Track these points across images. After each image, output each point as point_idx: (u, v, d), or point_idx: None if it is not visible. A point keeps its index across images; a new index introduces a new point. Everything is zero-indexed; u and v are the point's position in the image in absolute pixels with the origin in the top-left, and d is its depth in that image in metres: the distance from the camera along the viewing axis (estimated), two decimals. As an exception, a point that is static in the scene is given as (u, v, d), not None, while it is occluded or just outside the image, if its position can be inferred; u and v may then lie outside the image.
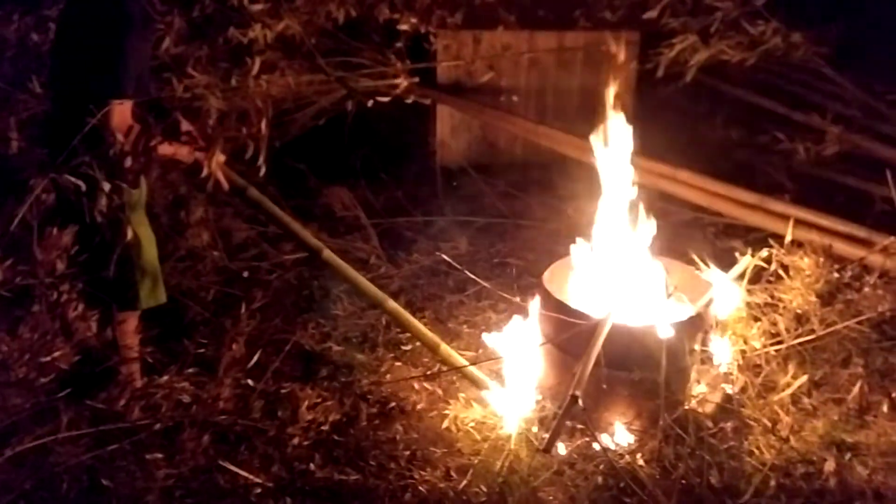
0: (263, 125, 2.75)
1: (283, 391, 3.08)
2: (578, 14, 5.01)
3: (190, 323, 3.49)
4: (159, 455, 2.59)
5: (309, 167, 4.60)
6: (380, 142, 5.11)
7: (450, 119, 5.22)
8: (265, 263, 3.98)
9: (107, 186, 2.31)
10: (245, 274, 3.81)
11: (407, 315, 3.13)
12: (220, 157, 2.79)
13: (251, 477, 2.65)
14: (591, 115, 5.17)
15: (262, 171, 2.82)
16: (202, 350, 3.03)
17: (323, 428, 2.87)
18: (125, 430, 2.65)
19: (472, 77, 5.05)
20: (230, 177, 2.88)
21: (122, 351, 2.73)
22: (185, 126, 2.87)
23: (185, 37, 4.13)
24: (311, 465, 2.74)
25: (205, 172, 2.76)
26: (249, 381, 2.94)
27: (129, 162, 2.44)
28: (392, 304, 3.11)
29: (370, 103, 4.40)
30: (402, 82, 4.45)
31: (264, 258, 4.02)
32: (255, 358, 2.94)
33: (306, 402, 2.98)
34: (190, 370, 2.78)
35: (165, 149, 2.68)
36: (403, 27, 4.43)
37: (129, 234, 2.51)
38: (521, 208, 4.67)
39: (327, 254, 3.14)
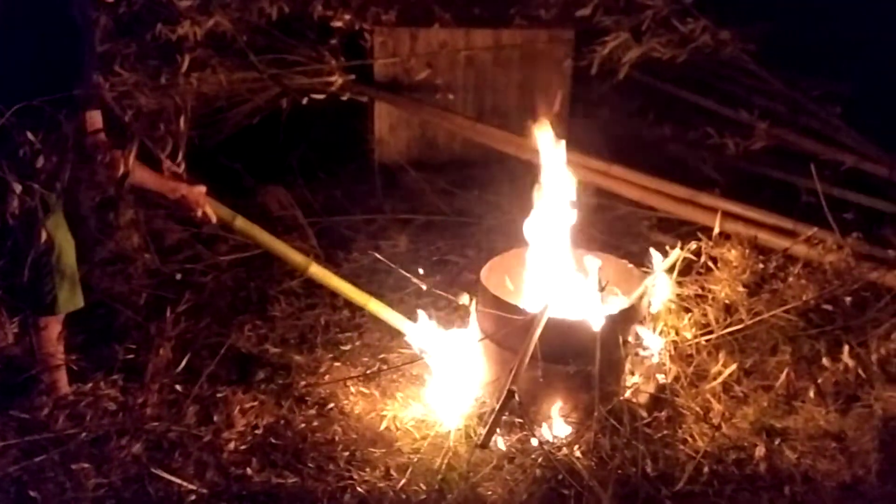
0: (182, 122, 2.69)
1: (218, 395, 3.01)
2: (514, 12, 5.05)
3: (121, 328, 3.39)
4: (87, 465, 2.52)
5: (244, 166, 4.52)
6: (317, 140, 5.06)
7: (388, 116, 5.20)
8: (199, 265, 3.90)
9: (18, 188, 2.23)
10: (178, 276, 3.72)
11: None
12: (201, 189, 2.84)
13: (185, 484, 2.59)
14: (528, 112, 5.28)
15: (182, 168, 2.75)
16: (131, 356, 2.94)
17: (258, 432, 2.82)
18: (52, 439, 2.57)
19: (409, 74, 5.03)
20: (217, 209, 2.92)
21: (44, 358, 2.64)
22: (167, 165, 2.87)
23: (112, 34, 4.02)
24: (248, 470, 2.69)
25: (194, 212, 2.84)
26: (178, 387, 2.86)
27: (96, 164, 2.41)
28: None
29: (305, 101, 4.36)
30: (337, 80, 4.42)
31: (198, 260, 3.94)
32: (185, 362, 2.87)
33: (241, 406, 2.92)
34: (116, 376, 2.70)
35: (149, 179, 2.69)
36: (337, 24, 4.40)
37: (44, 237, 2.42)
38: (461, 205, 4.68)
39: (314, 269, 3.21)
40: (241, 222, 3.05)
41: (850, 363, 2.98)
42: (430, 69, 5.03)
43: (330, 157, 5.03)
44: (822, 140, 4.51)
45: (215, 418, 2.90)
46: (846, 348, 3.00)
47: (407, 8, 4.67)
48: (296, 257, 3.25)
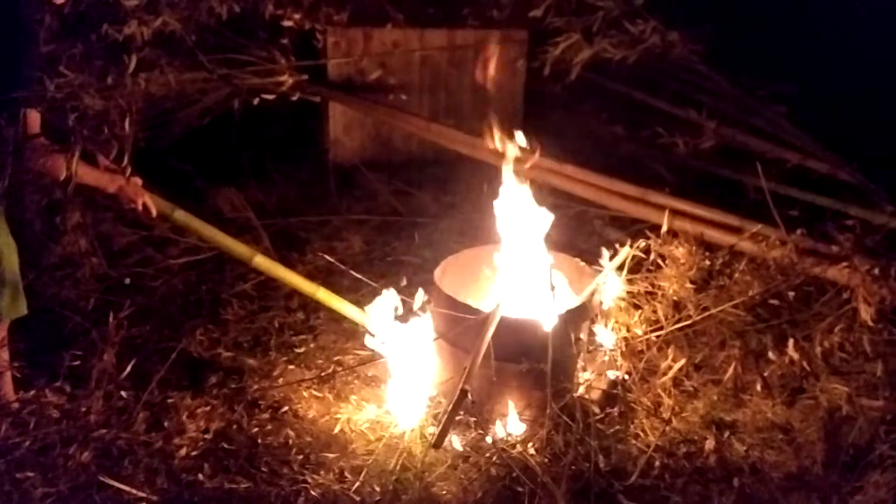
0: (128, 125, 2.64)
1: (169, 401, 2.97)
2: (467, 13, 5.07)
3: (69, 334, 3.32)
4: (33, 474, 2.46)
5: (195, 168, 4.45)
6: (271, 141, 5.02)
7: (343, 117, 5.17)
8: (150, 269, 3.83)
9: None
10: (127, 281, 3.65)
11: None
12: (137, 181, 2.87)
13: (135, 492, 2.55)
14: (483, 112, 5.30)
15: (128, 172, 2.71)
16: (77, 362, 2.88)
17: (210, 437, 2.79)
18: (-3, 448, 2.51)
19: (363, 74, 5.01)
20: (156, 201, 2.95)
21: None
22: (103, 160, 2.88)
23: (57, 34, 3.93)
24: (200, 476, 2.65)
25: (133, 204, 2.88)
26: (124, 393, 2.81)
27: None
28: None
29: (256, 101, 4.31)
30: (288, 80, 4.37)
31: (149, 263, 3.87)
32: (130, 368, 2.82)
33: (192, 412, 2.89)
34: (61, 383, 2.64)
35: (87, 174, 2.71)
36: (288, 23, 4.36)
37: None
38: (417, 206, 4.68)
39: (258, 260, 3.23)
40: (180, 214, 3.07)
41: (796, 356, 3.06)
42: (383, 69, 5.01)
43: (284, 157, 4.99)
44: (768, 139, 4.61)
45: (166, 424, 2.86)
46: (791, 342, 3.08)
47: (359, 8, 4.65)
48: (240, 248, 3.26)
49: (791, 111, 4.70)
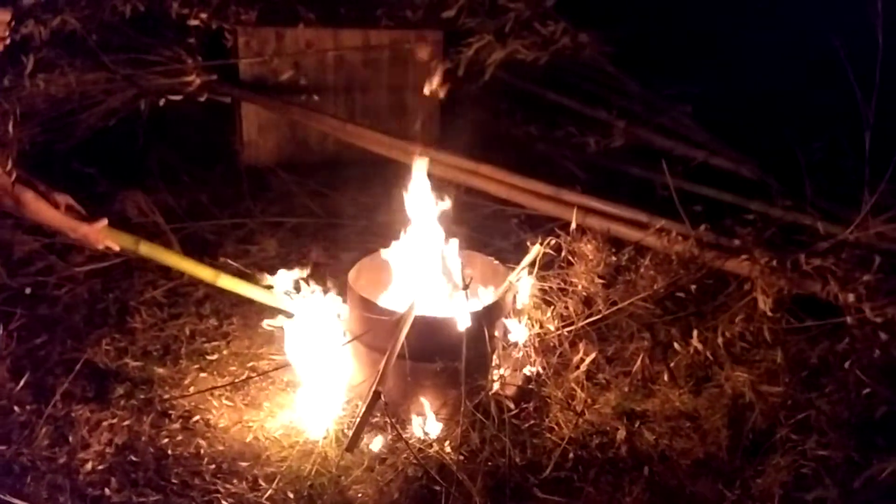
0: (11, 127, 2.53)
1: (73, 414, 2.87)
2: (380, 13, 5.06)
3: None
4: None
5: (100, 171, 4.30)
6: (181, 142, 4.88)
7: (256, 118, 5.08)
8: (53, 278, 3.68)
9: None
10: (27, 290, 3.49)
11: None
12: (102, 223, 2.85)
13: (36, 510, 2.45)
14: (399, 112, 5.30)
15: (14, 176, 2.60)
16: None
17: (114, 450, 2.70)
18: None
19: (276, 74, 4.94)
20: (119, 237, 2.96)
21: None
22: (63, 199, 2.86)
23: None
24: (107, 490, 2.57)
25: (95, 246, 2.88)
26: (26, 407, 2.69)
27: None
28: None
29: (162, 102, 4.19)
30: (196, 80, 4.27)
31: (52, 272, 3.71)
32: (26, 380, 2.71)
33: (100, 424, 2.79)
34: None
35: (42, 212, 2.72)
36: (195, 22, 4.25)
37: None
38: (333, 207, 4.63)
39: (222, 280, 3.24)
40: (145, 248, 3.09)
41: (700, 347, 3.17)
42: (296, 69, 4.95)
43: (194, 159, 4.87)
44: (674, 137, 4.77)
45: (70, 439, 2.77)
46: (696, 333, 3.19)
47: (269, 7, 4.58)
48: (204, 273, 3.27)
49: (696, 110, 4.87)
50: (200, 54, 4.49)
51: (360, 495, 2.59)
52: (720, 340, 3.21)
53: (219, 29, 4.54)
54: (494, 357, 2.93)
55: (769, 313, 3.24)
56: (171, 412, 2.94)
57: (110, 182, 4.28)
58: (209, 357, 3.30)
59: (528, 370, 3.05)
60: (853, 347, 3.06)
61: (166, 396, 3.02)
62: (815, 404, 2.89)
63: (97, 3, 4.14)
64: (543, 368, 3.02)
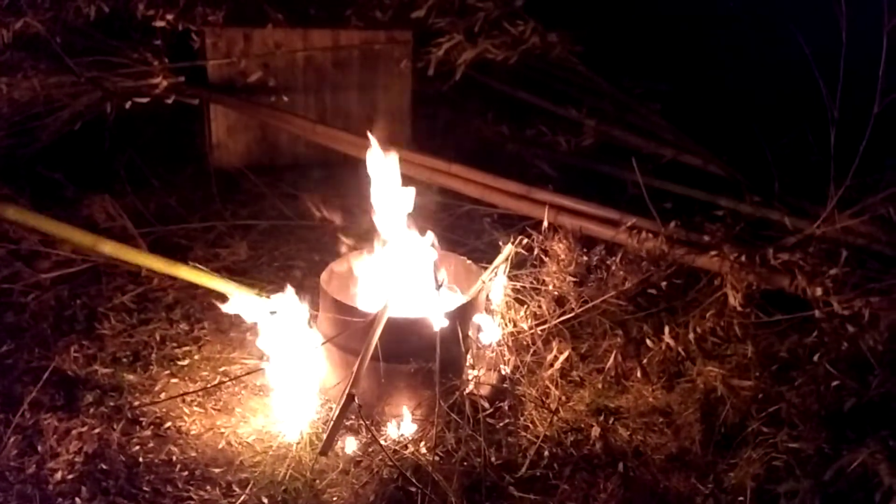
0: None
1: (42, 423, 2.81)
2: (350, 13, 5.03)
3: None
4: None
5: (66, 175, 4.22)
6: (149, 146, 4.82)
7: (225, 119, 5.03)
8: (18, 285, 3.61)
9: None
10: (-8, 298, 3.43)
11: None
12: None
13: (4, 521, 2.40)
14: (370, 113, 5.28)
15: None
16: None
17: (84, 459, 2.65)
18: None
19: (244, 75, 4.90)
20: None
21: None
22: None
23: None
24: (77, 500, 2.53)
25: None
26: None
27: None
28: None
29: (128, 105, 4.13)
30: (163, 82, 4.21)
31: (18, 279, 3.64)
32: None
33: (69, 432, 2.74)
34: None
35: None
36: (161, 24, 4.20)
37: None
38: (305, 209, 4.60)
39: (104, 246, 3.22)
40: (11, 211, 3.05)
41: (672, 342, 3.20)
42: (265, 70, 4.91)
43: (162, 163, 4.81)
44: (644, 135, 4.81)
45: (39, 448, 2.72)
46: (667, 329, 3.22)
47: (237, 8, 4.53)
48: (81, 237, 3.21)
49: (664, 108, 4.92)
50: (167, 56, 4.42)
51: (335, 499, 2.57)
52: (691, 336, 3.24)
53: (185, 30, 4.48)
54: (468, 357, 2.93)
55: (739, 308, 3.28)
56: (141, 419, 2.90)
57: (77, 187, 4.21)
58: (180, 362, 3.26)
59: (502, 369, 3.05)
60: (822, 340, 3.11)
61: (137, 403, 2.98)
62: (786, 397, 2.92)
63: (60, 4, 4.07)
64: (517, 367, 3.02)
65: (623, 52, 5.36)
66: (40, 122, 4.30)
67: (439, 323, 2.76)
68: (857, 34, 3.29)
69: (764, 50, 5.27)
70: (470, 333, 2.95)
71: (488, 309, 3.10)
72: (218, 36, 4.74)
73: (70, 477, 2.61)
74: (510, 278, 3.14)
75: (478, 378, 2.92)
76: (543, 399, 3.01)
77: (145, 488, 2.59)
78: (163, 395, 3.03)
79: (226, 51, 4.82)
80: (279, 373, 2.93)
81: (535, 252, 3.19)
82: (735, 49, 5.67)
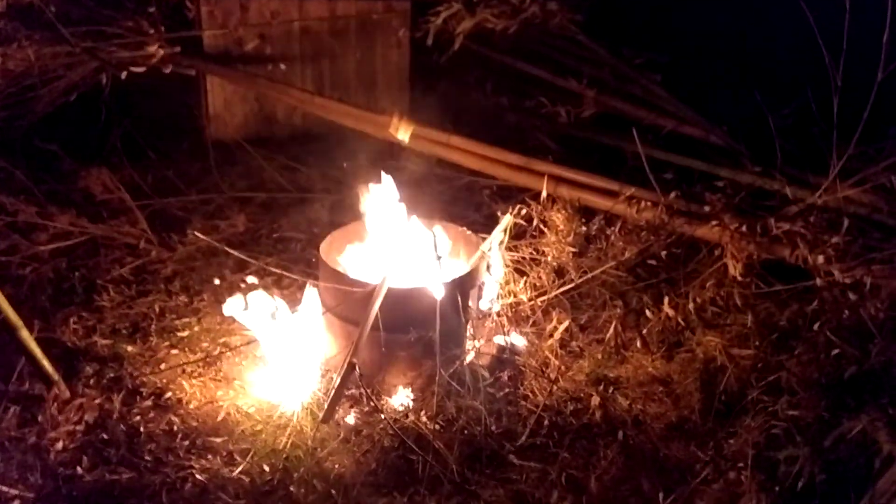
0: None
1: (42, 394, 2.81)
2: (347, -19, 4.96)
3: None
4: None
5: (62, 148, 4.19)
6: (145, 117, 4.77)
7: (222, 91, 4.97)
8: (16, 257, 3.60)
9: None
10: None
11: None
12: None
13: (8, 490, 2.42)
14: (368, 83, 5.23)
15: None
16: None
17: (85, 429, 2.66)
18: None
19: (241, 45, 4.84)
20: None
21: None
22: None
23: None
24: (79, 469, 2.54)
25: None
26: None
27: None
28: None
29: (123, 75, 4.08)
30: (159, 52, 4.16)
31: (15, 251, 3.63)
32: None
33: (69, 403, 2.75)
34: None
35: None
36: (154, -8, 4.14)
37: None
38: (303, 181, 4.58)
39: None
40: None
41: (671, 312, 3.19)
42: (262, 40, 4.85)
43: (159, 135, 4.77)
44: (644, 106, 4.76)
45: (39, 418, 2.72)
46: (667, 299, 3.21)
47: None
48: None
49: (665, 78, 4.87)
50: (163, 25, 4.36)
51: (336, 467, 2.59)
52: (691, 306, 3.24)
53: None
54: (468, 327, 2.93)
55: (739, 278, 3.28)
56: (142, 390, 2.91)
57: (73, 159, 4.18)
58: (180, 334, 3.26)
59: (502, 339, 3.05)
60: (822, 309, 3.11)
61: (137, 374, 2.98)
62: (786, 366, 2.93)
63: (54, -27, 4.00)
64: (517, 337, 3.03)
65: (623, 21, 5.29)
66: (35, 94, 4.25)
67: (439, 293, 2.75)
68: (860, 1, 3.25)
69: (765, 17, 5.20)
70: (470, 303, 2.95)
71: (488, 279, 3.09)
72: (214, 5, 4.68)
73: (72, 446, 2.63)
74: (510, 249, 3.13)
75: (478, 348, 2.92)
76: (543, 369, 3.02)
77: (146, 457, 2.61)
78: (163, 366, 3.04)
79: (222, 21, 4.75)
80: (278, 344, 2.93)
81: (535, 223, 3.17)
82: (736, 16, 5.60)
